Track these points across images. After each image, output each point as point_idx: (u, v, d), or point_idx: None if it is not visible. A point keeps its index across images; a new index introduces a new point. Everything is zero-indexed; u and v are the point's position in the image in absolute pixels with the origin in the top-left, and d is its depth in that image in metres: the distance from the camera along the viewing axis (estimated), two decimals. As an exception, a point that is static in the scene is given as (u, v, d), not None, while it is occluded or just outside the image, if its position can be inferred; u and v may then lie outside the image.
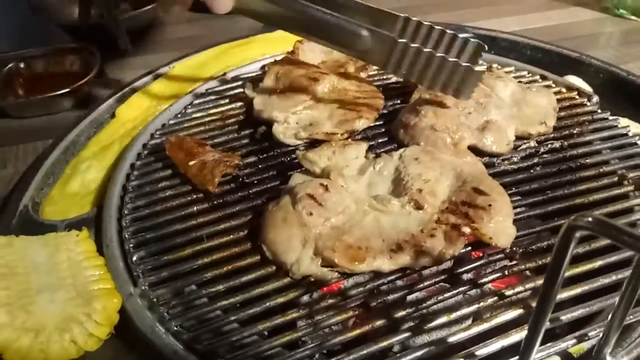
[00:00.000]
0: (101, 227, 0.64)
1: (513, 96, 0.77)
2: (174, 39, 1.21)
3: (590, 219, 0.35)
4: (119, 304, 0.54)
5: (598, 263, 0.56)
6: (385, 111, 0.78)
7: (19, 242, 0.59)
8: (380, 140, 0.74)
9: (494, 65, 0.90)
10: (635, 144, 0.74)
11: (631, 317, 0.51)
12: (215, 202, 0.65)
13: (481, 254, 0.58)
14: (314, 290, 0.56)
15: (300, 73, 0.80)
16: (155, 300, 0.55)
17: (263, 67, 0.92)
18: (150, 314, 0.54)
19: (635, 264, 0.38)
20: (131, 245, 0.60)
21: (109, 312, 0.53)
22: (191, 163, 0.67)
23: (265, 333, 0.53)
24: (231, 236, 0.60)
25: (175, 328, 0.52)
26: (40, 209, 0.71)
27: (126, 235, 0.61)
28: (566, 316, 0.51)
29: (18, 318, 0.51)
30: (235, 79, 0.90)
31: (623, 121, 0.79)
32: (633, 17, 1.24)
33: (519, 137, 0.73)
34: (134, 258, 0.59)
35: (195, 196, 0.66)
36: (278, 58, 0.90)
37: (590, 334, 0.50)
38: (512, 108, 0.75)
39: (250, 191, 0.67)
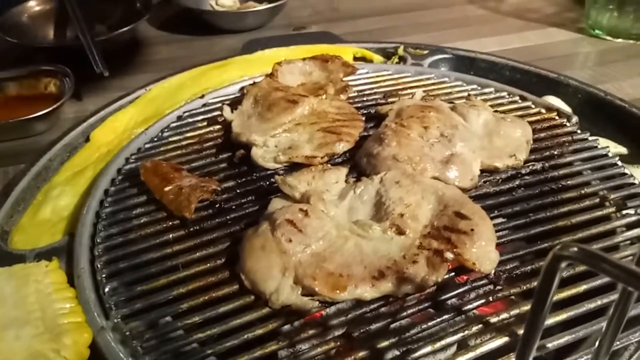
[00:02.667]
0: (72, 257, 0.61)
1: (486, 126, 0.75)
2: (151, 61, 1.20)
3: (575, 249, 0.34)
4: (89, 338, 0.52)
5: (582, 287, 0.55)
6: (365, 134, 0.77)
7: None
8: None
9: (473, 92, 0.89)
10: (616, 164, 0.74)
11: (618, 343, 0.50)
12: (191, 229, 0.63)
13: (465, 279, 0.57)
14: (294, 320, 0.54)
15: (279, 95, 0.79)
16: (128, 333, 0.52)
17: (241, 89, 0.91)
18: (123, 348, 0.51)
19: (620, 294, 0.37)
20: (104, 275, 0.58)
21: (79, 348, 0.51)
22: (167, 189, 0.65)
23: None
24: (208, 264, 0.59)
25: (148, 363, 0.50)
26: (9, 237, 0.69)
27: (98, 265, 0.59)
28: (552, 343, 0.50)
29: None
30: (213, 101, 0.89)
31: (602, 141, 0.80)
32: (608, 38, 1.26)
33: (485, 171, 0.71)
34: (107, 289, 0.56)
35: (171, 223, 0.64)
36: (257, 80, 0.90)
37: (577, 361, 0.49)
38: (483, 139, 0.73)
39: (228, 217, 0.65)
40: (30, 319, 0.52)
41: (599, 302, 0.54)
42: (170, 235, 0.63)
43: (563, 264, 0.35)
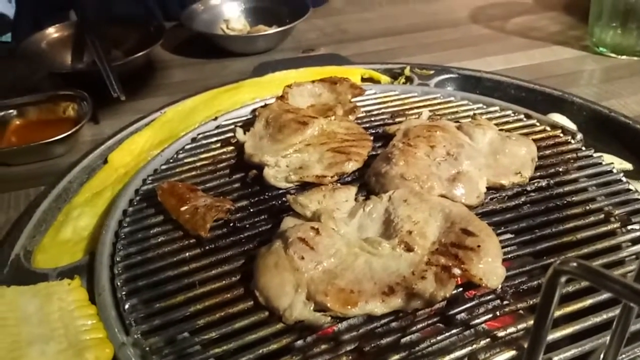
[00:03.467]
0: (93, 275, 0.63)
1: (491, 144, 0.77)
2: (165, 84, 1.23)
3: (574, 264, 0.35)
4: (111, 354, 0.54)
5: (588, 302, 0.56)
6: (374, 153, 0.79)
7: (10, 292, 0.59)
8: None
9: (478, 111, 0.91)
10: (620, 180, 0.75)
11: (623, 356, 0.51)
12: (207, 248, 0.65)
13: (473, 294, 0.58)
14: (307, 335, 0.55)
15: (290, 117, 0.82)
16: (147, 349, 0.54)
17: (253, 111, 0.93)
18: (143, 363, 0.53)
19: (621, 308, 0.38)
20: (123, 293, 0.60)
21: (102, 362, 0.53)
22: (183, 209, 0.67)
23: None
24: (224, 282, 0.60)
25: (168, 378, 0.52)
26: (32, 257, 0.71)
27: (118, 283, 0.61)
28: (559, 357, 0.51)
29: None
30: (225, 123, 0.91)
31: (607, 157, 0.81)
32: (613, 55, 1.27)
33: (491, 188, 0.72)
34: (126, 306, 0.58)
35: (187, 242, 0.66)
36: (268, 102, 0.92)
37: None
38: (488, 157, 0.75)
39: (242, 235, 0.67)
40: (55, 336, 0.54)
41: (605, 316, 0.55)
42: (187, 254, 0.64)
43: (563, 279, 0.37)
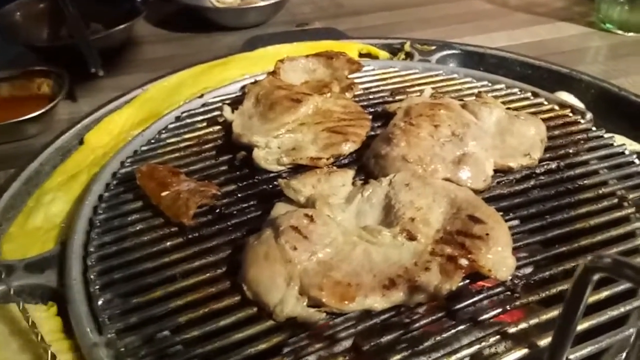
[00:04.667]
0: (64, 267, 0.58)
1: (498, 124, 0.72)
2: (149, 60, 1.18)
3: (609, 260, 0.31)
4: None
5: (604, 294, 0.52)
6: (373, 133, 0.74)
7: None
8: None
9: (483, 89, 0.86)
10: (633, 162, 0.71)
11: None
12: (190, 236, 0.61)
13: (480, 288, 0.54)
14: (300, 333, 0.51)
15: (282, 94, 0.76)
16: (122, 349, 0.49)
17: (243, 87, 0.88)
18: (117, 365, 0.48)
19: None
20: (97, 287, 0.55)
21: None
22: (164, 194, 0.62)
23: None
24: (208, 274, 0.56)
25: (145, 382, 0.47)
26: (-2, 247, 0.66)
27: (91, 276, 0.56)
28: (575, 355, 0.47)
29: None
30: (212, 101, 0.86)
31: (618, 138, 0.77)
32: (620, 32, 1.23)
33: (498, 171, 0.68)
34: (100, 302, 0.53)
35: (168, 230, 0.61)
36: (258, 78, 0.87)
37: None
38: (495, 138, 0.70)
39: (229, 223, 0.62)
40: None
41: (622, 310, 0.51)
42: (168, 243, 0.60)
43: (595, 277, 0.32)
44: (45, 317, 0.54)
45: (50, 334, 0.52)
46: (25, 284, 0.59)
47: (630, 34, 1.22)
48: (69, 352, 0.52)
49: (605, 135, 0.76)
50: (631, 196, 0.65)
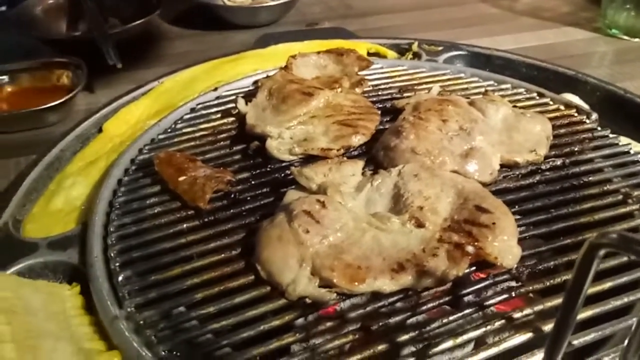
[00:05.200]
0: (85, 245, 0.60)
1: (505, 121, 0.74)
2: (165, 54, 1.20)
3: (615, 235, 0.32)
4: None
5: (607, 284, 0.54)
6: (382, 127, 0.76)
7: (10, 280, 0.56)
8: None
9: (489, 88, 0.88)
10: (638, 161, 0.73)
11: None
12: (206, 220, 0.62)
13: (485, 275, 0.55)
14: (311, 312, 0.53)
15: (294, 88, 0.78)
16: (141, 322, 0.51)
17: (255, 82, 0.90)
18: (137, 337, 0.50)
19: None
20: (117, 264, 0.57)
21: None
22: (181, 179, 0.64)
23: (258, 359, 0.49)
24: (222, 255, 0.57)
25: (163, 353, 0.49)
26: (22, 226, 0.67)
27: (112, 254, 0.58)
28: (578, 340, 0.49)
29: (25, 358, 0.46)
30: (226, 94, 0.88)
31: (623, 139, 0.78)
32: (625, 37, 1.24)
33: (504, 166, 0.69)
34: (120, 278, 0.55)
35: (185, 213, 0.63)
36: (271, 73, 0.88)
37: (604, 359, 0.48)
38: (502, 134, 0.72)
39: (243, 208, 0.64)
40: (64, 336, 0.50)
41: (625, 300, 0.52)
42: (185, 225, 0.62)
43: (601, 252, 0.33)
44: (69, 295, 0.56)
45: (73, 309, 0.55)
46: (49, 260, 0.61)
47: (636, 39, 1.23)
48: (90, 326, 0.54)
49: (611, 135, 0.77)
50: (635, 193, 0.66)
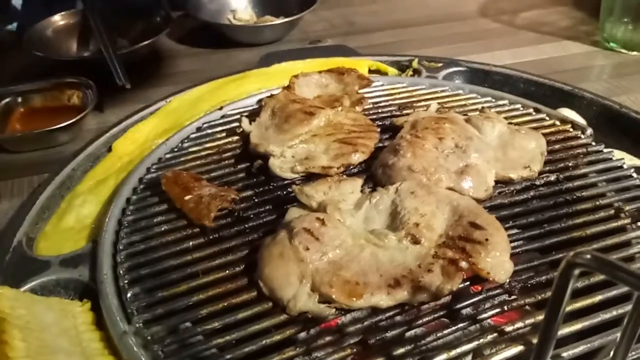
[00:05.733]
0: (96, 263, 0.63)
1: (500, 137, 0.76)
2: (171, 73, 1.22)
3: (588, 256, 0.35)
4: None
5: (598, 298, 0.55)
6: (381, 145, 0.78)
7: (25, 298, 0.59)
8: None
9: (487, 105, 0.90)
10: (631, 176, 0.74)
11: (633, 353, 0.50)
12: (211, 237, 0.65)
13: (480, 289, 0.57)
14: (311, 327, 0.55)
15: (296, 107, 0.81)
16: (149, 338, 0.53)
17: (259, 101, 0.92)
18: (145, 352, 0.52)
19: (635, 301, 0.37)
20: (126, 281, 0.59)
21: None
22: (187, 198, 0.66)
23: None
24: (227, 272, 0.60)
25: (169, 367, 0.51)
26: (35, 244, 0.70)
27: (121, 271, 0.60)
28: (567, 353, 0.51)
29: None
30: (231, 113, 0.91)
31: (617, 153, 0.80)
32: (623, 51, 1.26)
33: (499, 182, 0.71)
34: (129, 295, 0.58)
35: (191, 231, 0.65)
36: (274, 92, 0.91)
37: (592, 371, 0.50)
38: (497, 151, 0.74)
39: (247, 225, 0.66)
40: (75, 352, 0.53)
41: (614, 313, 0.54)
42: (190, 243, 0.64)
43: (576, 271, 0.36)
44: (80, 311, 0.59)
45: (84, 325, 0.57)
46: (61, 278, 0.63)
47: (634, 53, 1.25)
48: (100, 342, 0.56)
49: (605, 150, 0.79)
50: (628, 208, 0.68)
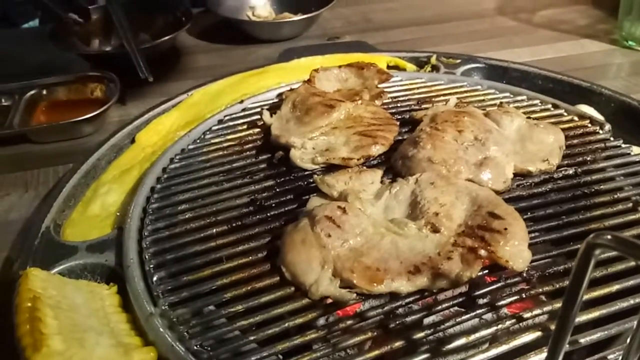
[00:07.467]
0: (122, 248, 0.65)
1: (519, 131, 0.77)
2: (191, 68, 1.24)
3: (609, 236, 0.35)
4: (155, 357, 0.54)
5: (615, 287, 0.56)
6: (400, 138, 0.79)
7: (55, 279, 0.61)
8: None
9: (505, 100, 0.90)
10: (649, 171, 0.74)
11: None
12: (234, 225, 0.66)
13: (497, 278, 0.58)
14: (332, 311, 0.56)
15: (317, 100, 0.82)
16: (175, 320, 0.55)
17: (280, 94, 0.94)
18: (170, 333, 0.54)
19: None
20: (151, 266, 0.61)
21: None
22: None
23: (280, 357, 0.53)
24: (250, 258, 0.61)
25: (195, 347, 0.52)
26: (62, 230, 0.72)
27: (146, 256, 0.62)
28: (585, 339, 0.51)
29: (72, 350, 0.50)
30: (252, 106, 0.92)
31: (635, 149, 0.80)
32: (642, 49, 1.25)
33: (518, 174, 0.72)
34: (154, 278, 0.59)
35: (214, 218, 0.67)
36: (294, 86, 0.92)
37: (609, 357, 0.51)
38: (516, 144, 0.75)
39: (268, 214, 0.67)
40: (104, 331, 0.55)
41: (632, 302, 0.54)
42: (214, 230, 0.65)
43: (597, 251, 0.36)
44: (107, 294, 0.61)
45: (111, 307, 0.59)
46: (88, 262, 0.65)
47: (653, 51, 1.24)
48: (127, 323, 0.58)
49: (623, 145, 0.79)
50: (646, 201, 0.68)
